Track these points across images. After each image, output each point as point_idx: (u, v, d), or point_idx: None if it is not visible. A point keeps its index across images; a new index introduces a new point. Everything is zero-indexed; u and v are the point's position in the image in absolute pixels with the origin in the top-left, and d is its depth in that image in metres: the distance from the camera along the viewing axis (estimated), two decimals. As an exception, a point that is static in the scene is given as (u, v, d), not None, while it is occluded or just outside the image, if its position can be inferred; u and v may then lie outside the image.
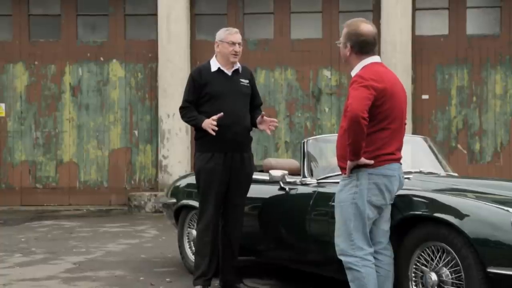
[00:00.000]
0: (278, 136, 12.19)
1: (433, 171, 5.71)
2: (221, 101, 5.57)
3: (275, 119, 5.77)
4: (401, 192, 4.52)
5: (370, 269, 4.34)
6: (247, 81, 5.75)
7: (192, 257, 6.35)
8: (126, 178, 12.46)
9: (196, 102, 5.63)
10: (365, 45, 4.42)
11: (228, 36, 5.66)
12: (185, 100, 5.68)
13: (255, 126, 5.79)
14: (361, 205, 4.33)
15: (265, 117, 5.70)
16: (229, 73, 5.67)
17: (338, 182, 4.55)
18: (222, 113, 5.44)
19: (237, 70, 5.71)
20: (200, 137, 5.62)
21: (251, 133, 5.81)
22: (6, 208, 12.11)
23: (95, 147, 12.49)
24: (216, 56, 5.71)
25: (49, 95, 12.53)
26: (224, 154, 5.55)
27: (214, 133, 5.43)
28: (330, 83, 12.22)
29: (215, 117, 5.45)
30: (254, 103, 5.82)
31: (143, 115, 12.47)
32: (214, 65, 5.68)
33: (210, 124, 5.44)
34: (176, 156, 11.90)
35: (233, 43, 5.63)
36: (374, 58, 4.45)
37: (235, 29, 5.76)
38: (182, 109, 5.71)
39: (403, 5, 11.60)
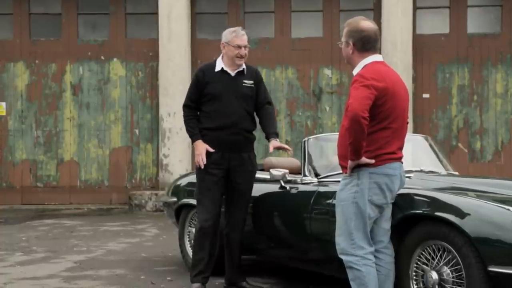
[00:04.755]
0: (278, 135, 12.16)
1: (434, 170, 5.71)
2: (220, 101, 5.53)
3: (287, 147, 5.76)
4: (402, 191, 4.51)
5: (370, 268, 4.34)
6: (251, 81, 5.66)
7: (192, 255, 6.35)
8: (126, 177, 12.46)
9: (198, 101, 5.61)
10: (367, 41, 4.40)
11: (234, 39, 5.55)
12: (188, 98, 5.66)
13: (264, 129, 5.81)
14: (362, 204, 4.32)
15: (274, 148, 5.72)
16: (232, 73, 5.61)
17: (339, 181, 4.55)
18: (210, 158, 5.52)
19: (241, 71, 5.64)
20: None
21: (255, 132, 5.81)
22: (7, 207, 12.12)
23: (96, 146, 12.49)
24: (222, 57, 5.64)
25: (49, 94, 12.53)
26: (221, 155, 5.54)
27: (202, 167, 5.52)
28: (330, 82, 12.21)
29: (207, 152, 5.51)
30: (258, 100, 5.73)
31: (144, 114, 12.47)
32: (219, 65, 5.61)
33: (201, 159, 5.50)
34: (177, 155, 11.89)
35: (239, 47, 5.54)
36: (376, 57, 4.43)
37: (243, 32, 5.62)
38: (186, 108, 5.68)
39: (403, 4, 11.59)
